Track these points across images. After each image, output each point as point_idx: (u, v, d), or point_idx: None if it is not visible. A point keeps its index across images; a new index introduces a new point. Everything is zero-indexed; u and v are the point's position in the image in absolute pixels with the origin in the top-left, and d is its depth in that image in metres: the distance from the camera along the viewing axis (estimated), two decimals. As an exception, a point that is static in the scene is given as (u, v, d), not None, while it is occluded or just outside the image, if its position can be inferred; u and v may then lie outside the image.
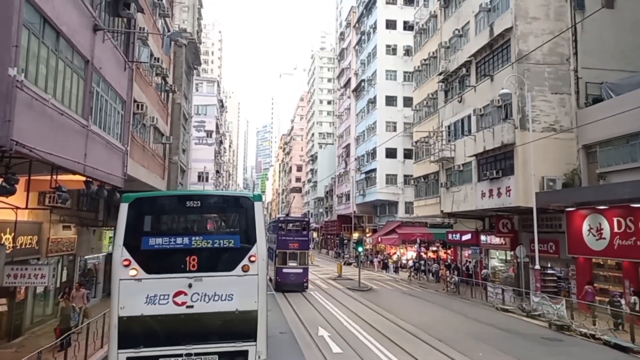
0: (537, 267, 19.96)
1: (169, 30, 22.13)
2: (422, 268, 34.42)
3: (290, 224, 28.27)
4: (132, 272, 7.52)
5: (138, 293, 7.47)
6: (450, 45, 28.85)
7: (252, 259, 7.95)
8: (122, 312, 7.39)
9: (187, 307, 7.55)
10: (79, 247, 17.97)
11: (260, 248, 8.07)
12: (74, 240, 17.35)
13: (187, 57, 29.77)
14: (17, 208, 9.99)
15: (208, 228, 8.45)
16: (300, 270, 25.72)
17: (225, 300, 7.74)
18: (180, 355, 7.34)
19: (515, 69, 21.79)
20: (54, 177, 10.01)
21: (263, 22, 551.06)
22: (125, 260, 7.51)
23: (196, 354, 7.39)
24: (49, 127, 9.32)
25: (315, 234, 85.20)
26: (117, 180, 13.98)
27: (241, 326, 7.77)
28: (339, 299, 22.69)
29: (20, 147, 7.79)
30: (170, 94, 23.81)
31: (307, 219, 33.93)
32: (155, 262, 7.70)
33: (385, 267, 40.54)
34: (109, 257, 22.67)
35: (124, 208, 7.79)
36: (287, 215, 36.87)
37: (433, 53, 31.82)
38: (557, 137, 21.33)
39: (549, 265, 22.05)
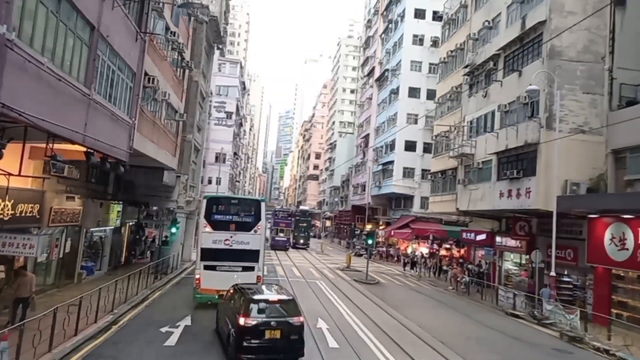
0: (553, 273, 19.08)
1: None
2: (429, 265, 33.60)
3: (282, 213, 52.80)
4: (207, 229, 15.91)
5: (209, 238, 15.83)
6: (478, 37, 27.68)
7: (259, 227, 16.31)
8: (202, 246, 15.83)
9: (230, 245, 15.81)
10: (84, 219, 17.84)
11: (262, 222, 16.40)
12: (79, 211, 17.22)
13: (208, 35, 29.23)
14: (10, 174, 9.68)
15: (240, 212, 16.42)
16: (285, 239, 47.30)
17: (246, 243, 16.00)
18: (225, 265, 15.69)
19: (546, 65, 20.68)
20: (50, 145, 9.66)
21: (292, 7, 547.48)
22: (205, 223, 15.95)
23: (233, 266, 15.73)
24: (45, 92, 8.95)
25: (328, 223, 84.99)
26: (122, 154, 13.64)
27: (252, 255, 15.98)
28: (343, 291, 22.22)
29: (7, 110, 7.42)
30: (187, 71, 23.34)
31: (292, 210, 60.06)
32: (217, 225, 15.97)
33: (413, 265, 35.67)
34: (116, 231, 22.64)
35: (204, 201, 16.49)
36: (282, 207, 71.32)
37: (460, 45, 30.66)
38: (584, 139, 20.24)
39: (566, 273, 21.12)
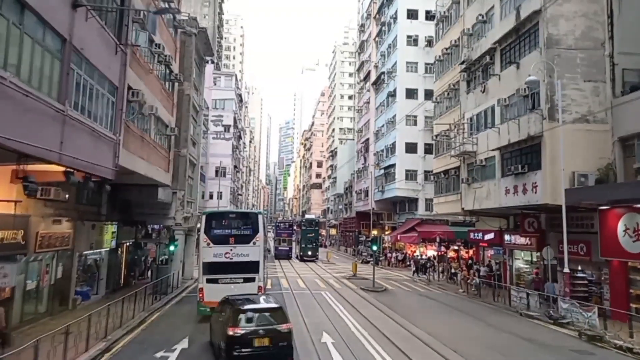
0: (567, 270, 18.28)
1: (173, 17, 21.17)
2: (440, 268, 32.61)
3: (283, 224, 54.76)
4: (207, 244, 16.37)
5: (210, 252, 16.32)
6: (473, 32, 27.10)
7: (258, 238, 16.69)
8: (204, 260, 16.29)
9: (230, 258, 16.25)
10: (76, 242, 17.21)
11: (260, 234, 16.75)
12: (70, 235, 16.58)
13: (198, 47, 28.79)
14: (-21, 199, 9.07)
15: (239, 225, 16.94)
16: (287, 248, 49.22)
17: (246, 255, 16.40)
18: (226, 278, 16.07)
19: (544, 54, 20.05)
20: (22, 166, 9.07)
21: (286, 18, 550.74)
22: (205, 239, 16.41)
23: (234, 278, 16.10)
24: (11, 110, 8.38)
25: (333, 231, 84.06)
26: (106, 172, 13.05)
27: (252, 267, 16.39)
28: (349, 300, 21.43)
29: (-38, 130, 6.85)
30: (176, 84, 22.81)
31: (292, 221, 63.38)
32: (217, 239, 16.46)
33: (424, 270, 33.78)
34: (112, 252, 21.97)
35: (203, 217, 17.18)
36: (283, 219, 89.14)
37: (455, 41, 30.08)
38: (589, 128, 19.55)
39: (580, 269, 20.28)
